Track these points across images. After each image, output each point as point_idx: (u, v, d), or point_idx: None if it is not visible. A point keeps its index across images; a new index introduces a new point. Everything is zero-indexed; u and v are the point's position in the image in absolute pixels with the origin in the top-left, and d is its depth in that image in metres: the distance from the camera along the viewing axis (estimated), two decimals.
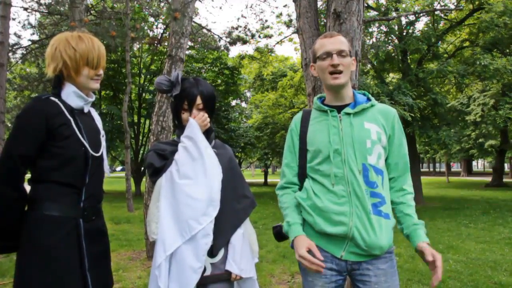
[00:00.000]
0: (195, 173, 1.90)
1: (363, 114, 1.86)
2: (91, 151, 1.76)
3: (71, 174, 1.73)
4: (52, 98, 1.75)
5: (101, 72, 1.85)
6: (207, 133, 2.08)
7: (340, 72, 1.82)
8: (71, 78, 1.79)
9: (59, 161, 1.71)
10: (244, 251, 2.01)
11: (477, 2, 14.08)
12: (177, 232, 1.86)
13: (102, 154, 1.87)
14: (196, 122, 1.98)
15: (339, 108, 1.88)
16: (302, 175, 1.96)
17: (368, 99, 1.94)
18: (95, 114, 1.98)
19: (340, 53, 1.83)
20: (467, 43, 16.33)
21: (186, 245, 1.85)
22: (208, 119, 2.04)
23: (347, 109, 1.86)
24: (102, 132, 1.97)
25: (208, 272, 1.92)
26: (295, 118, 2.06)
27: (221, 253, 1.97)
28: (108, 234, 1.99)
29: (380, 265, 1.78)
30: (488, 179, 28.02)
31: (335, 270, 1.81)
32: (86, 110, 1.87)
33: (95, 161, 1.80)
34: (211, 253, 1.93)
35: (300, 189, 1.97)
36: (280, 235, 2.04)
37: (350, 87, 1.92)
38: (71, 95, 1.79)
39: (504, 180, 26.29)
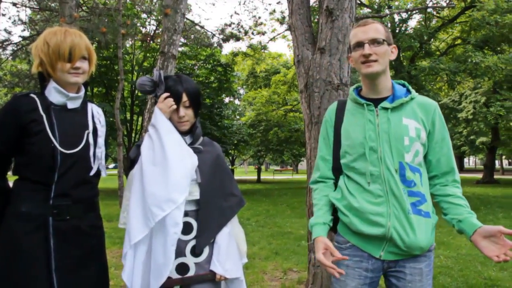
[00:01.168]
0: (157, 159, 1.85)
1: (401, 109, 1.74)
2: (60, 148, 1.71)
3: (39, 171, 1.71)
4: (32, 95, 1.76)
5: (79, 64, 1.78)
6: (191, 130, 2.03)
7: (374, 61, 1.71)
8: (50, 74, 1.78)
9: (29, 157, 1.72)
10: (230, 251, 1.96)
11: (468, 0, 14.17)
12: (142, 221, 1.81)
13: (81, 151, 1.79)
14: (158, 109, 1.91)
15: (376, 102, 1.77)
16: (337, 169, 1.88)
17: (408, 91, 1.81)
18: (92, 110, 1.93)
19: (373, 41, 1.71)
20: (459, 41, 16.44)
21: (156, 239, 1.81)
22: (174, 103, 1.94)
23: (385, 103, 1.75)
24: (99, 129, 1.91)
25: (192, 272, 1.87)
26: (329, 109, 1.97)
27: (205, 253, 1.91)
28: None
29: (417, 265, 1.72)
30: (480, 175, 28.25)
31: (370, 271, 1.75)
32: (71, 106, 1.82)
33: (67, 159, 1.74)
34: (195, 252, 1.88)
35: (335, 184, 1.90)
36: None
37: (388, 78, 1.80)
38: (52, 91, 1.78)
39: (495, 176, 26.52)
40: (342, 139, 1.84)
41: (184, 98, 1.94)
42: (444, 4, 15.25)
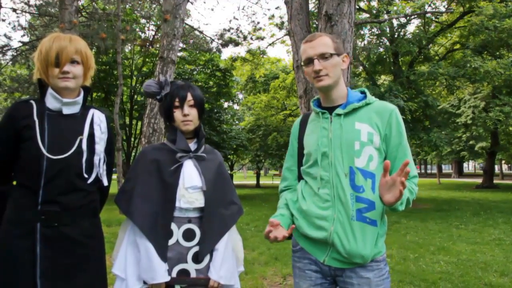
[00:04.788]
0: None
1: (354, 114, 1.77)
2: (46, 153, 1.69)
3: (26, 176, 1.72)
4: (31, 101, 1.78)
5: (68, 69, 1.75)
6: (197, 138, 2.04)
7: (325, 75, 1.76)
8: (46, 80, 1.79)
9: (20, 162, 1.73)
10: (226, 258, 1.97)
11: (467, 5, 14.24)
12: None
13: (71, 157, 1.76)
14: None
15: (332, 110, 1.82)
16: (302, 178, 1.93)
17: (365, 97, 1.83)
18: (93, 117, 1.90)
19: (321, 56, 1.75)
20: (457, 46, 16.50)
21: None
22: None
23: (338, 110, 1.79)
24: (98, 136, 1.87)
25: (192, 277, 1.89)
26: (295, 122, 2.03)
27: (206, 259, 1.93)
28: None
29: (364, 274, 1.71)
30: (479, 180, 28.24)
31: (320, 273, 1.79)
32: (67, 112, 1.80)
33: (55, 164, 1.71)
34: (196, 259, 1.89)
35: None
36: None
37: (341, 87, 1.84)
38: (48, 97, 1.78)
39: (495, 181, 26.51)
40: (304, 149, 1.89)
41: (189, 97, 1.97)
42: (443, 9, 15.30)
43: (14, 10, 11.73)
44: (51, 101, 1.78)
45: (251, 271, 5.28)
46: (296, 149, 1.96)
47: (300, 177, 1.95)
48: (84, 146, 1.81)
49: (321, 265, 1.77)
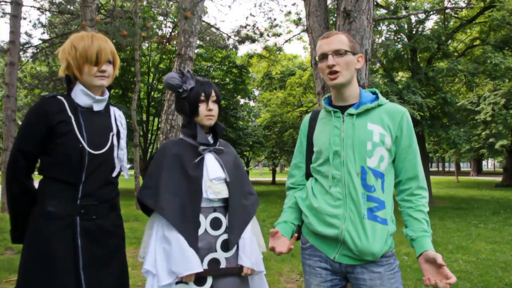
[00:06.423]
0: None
1: (367, 114, 1.79)
2: (88, 149, 1.76)
3: (67, 171, 1.76)
4: (59, 97, 1.81)
5: (105, 68, 1.83)
6: (213, 133, 2.11)
7: (337, 72, 1.78)
8: (77, 77, 1.83)
9: (56, 157, 1.76)
10: (253, 245, 2.05)
11: (488, 0, 13.93)
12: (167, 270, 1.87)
13: (107, 153, 1.84)
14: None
15: (344, 109, 1.84)
16: (310, 175, 1.96)
17: (377, 98, 1.86)
18: (115, 113, 1.98)
19: (336, 52, 1.77)
20: (477, 42, 16.16)
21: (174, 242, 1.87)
22: None
23: (350, 110, 1.81)
24: (122, 132, 1.95)
25: (223, 266, 1.95)
26: (304, 119, 2.06)
27: (234, 248, 2.00)
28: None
29: (375, 269, 1.75)
30: (499, 178, 27.74)
31: (330, 271, 1.82)
32: (97, 108, 1.87)
33: (94, 159, 1.78)
34: (225, 247, 1.96)
35: None
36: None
37: (354, 86, 1.86)
38: (79, 93, 1.83)
39: None
40: (313, 146, 1.92)
41: (213, 93, 2.05)
42: (463, 5, 15.03)
43: (39, 9, 11.95)
44: (82, 98, 1.83)
45: (268, 267, 5.28)
46: (305, 146, 2.00)
47: (307, 174, 1.98)
48: (115, 141, 1.90)
49: (332, 262, 1.80)
